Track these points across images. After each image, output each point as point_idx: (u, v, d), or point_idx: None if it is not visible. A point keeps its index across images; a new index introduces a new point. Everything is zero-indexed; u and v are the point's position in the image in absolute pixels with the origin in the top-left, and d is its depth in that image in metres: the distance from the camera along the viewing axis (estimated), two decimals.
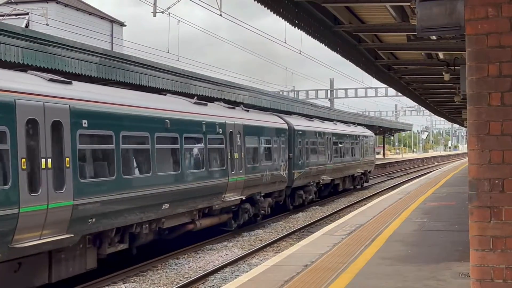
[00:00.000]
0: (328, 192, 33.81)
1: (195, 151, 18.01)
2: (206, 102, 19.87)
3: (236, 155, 20.25)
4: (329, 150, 32.27)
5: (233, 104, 24.97)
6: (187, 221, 17.57)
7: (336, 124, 37.51)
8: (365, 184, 42.19)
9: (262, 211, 22.85)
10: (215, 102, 22.76)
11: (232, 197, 19.90)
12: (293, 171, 26.22)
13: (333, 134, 33.84)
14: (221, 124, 19.52)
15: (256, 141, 22.39)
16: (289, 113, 34.07)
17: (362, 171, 40.65)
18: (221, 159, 19.39)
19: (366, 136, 42.99)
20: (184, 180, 16.79)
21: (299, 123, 28.62)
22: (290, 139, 26.29)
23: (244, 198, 20.64)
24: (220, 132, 19.40)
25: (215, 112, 19.71)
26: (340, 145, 34.94)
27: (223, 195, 19.29)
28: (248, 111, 23.71)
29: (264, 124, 23.69)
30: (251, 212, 21.79)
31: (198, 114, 18.36)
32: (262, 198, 22.62)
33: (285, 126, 26.14)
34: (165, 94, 19.55)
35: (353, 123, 47.82)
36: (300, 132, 27.79)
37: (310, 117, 36.08)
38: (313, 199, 29.87)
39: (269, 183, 23.36)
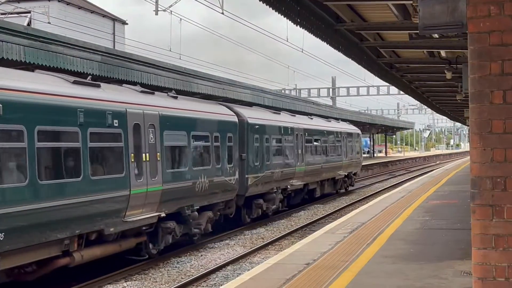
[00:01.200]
0: (302, 199, 28.82)
1: (65, 151, 12.69)
2: (99, 83, 14.80)
3: (146, 156, 15.15)
4: (300, 149, 27.20)
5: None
6: (54, 254, 12.38)
7: (311, 118, 31.99)
8: (350, 188, 37.48)
9: (197, 229, 17.60)
10: (124, 85, 17.50)
11: (140, 215, 14.79)
12: (247, 176, 21.15)
13: (306, 131, 28.52)
14: (118, 114, 14.20)
15: (183, 138, 17.25)
16: (251, 104, 29.22)
17: (346, 173, 35.44)
18: (116, 162, 14.13)
19: (350, 133, 37.48)
20: (38, 196, 11.59)
21: (256, 116, 23.26)
22: (242, 136, 21.22)
23: (163, 214, 15.64)
24: (116, 125, 14.08)
25: (109, 96, 14.35)
26: (316, 144, 29.97)
27: (123, 214, 14.09)
28: (176, 97, 18.17)
29: (199, 115, 18.25)
30: (178, 233, 16.73)
31: (72, 97, 12.93)
32: (196, 212, 17.46)
33: (235, 119, 20.79)
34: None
35: (336, 119, 41.91)
36: (258, 127, 22.56)
37: (277, 109, 30.29)
38: (279, 209, 24.96)
39: (208, 193, 18.18)
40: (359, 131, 40.49)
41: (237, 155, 20.54)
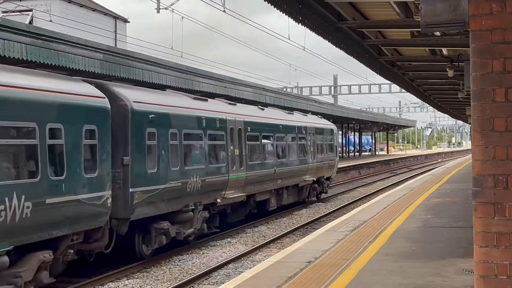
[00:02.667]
0: (248, 214, 22.26)
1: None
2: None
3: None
4: (238, 149, 20.32)
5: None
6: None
7: (263, 110, 24.70)
8: (323, 196, 31.09)
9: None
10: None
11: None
12: (132, 190, 14.39)
13: (249, 125, 21.40)
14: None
15: None
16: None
17: (315, 178, 28.61)
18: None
19: (320, 129, 30.22)
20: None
21: (152, 100, 15.86)
22: (122, 130, 14.47)
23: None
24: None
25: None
26: (266, 142, 23.19)
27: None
28: None
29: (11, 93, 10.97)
30: None
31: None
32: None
33: (102, 104, 13.71)
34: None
35: (305, 111, 35.43)
36: (153, 116, 15.35)
37: (207, 95, 23.88)
38: (203, 232, 18.25)
39: (36, 223, 11.20)
40: (333, 127, 33.28)
41: (110, 159, 13.71)
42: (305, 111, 33.63)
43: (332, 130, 32.69)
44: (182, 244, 17.28)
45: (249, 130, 21.40)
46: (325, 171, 30.58)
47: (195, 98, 18.61)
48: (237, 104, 22.43)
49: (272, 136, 23.95)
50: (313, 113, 35.57)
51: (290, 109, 30.63)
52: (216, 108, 19.45)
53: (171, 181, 15.94)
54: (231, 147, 19.83)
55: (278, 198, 24.76)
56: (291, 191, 26.26)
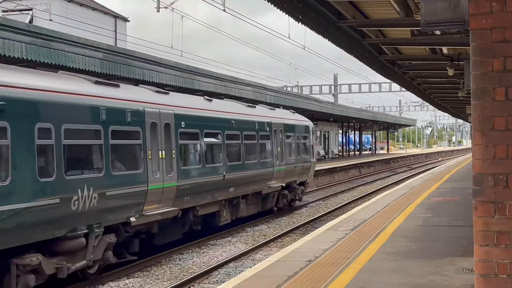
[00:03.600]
0: (186, 233, 17.59)
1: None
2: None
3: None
4: (162, 149, 15.46)
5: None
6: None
7: (209, 101, 19.47)
8: (297, 203, 26.99)
9: None
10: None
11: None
12: None
13: (180, 118, 16.46)
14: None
15: None
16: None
17: (283, 184, 24.16)
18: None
19: (291, 126, 25.49)
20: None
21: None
22: None
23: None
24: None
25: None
26: (210, 141, 18.28)
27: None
28: None
29: None
30: None
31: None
32: None
33: None
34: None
35: (275, 105, 30.58)
36: (2, 104, 10.50)
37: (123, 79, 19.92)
38: (106, 264, 13.72)
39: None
40: (308, 123, 28.05)
41: None
42: (275, 105, 29.07)
43: (307, 127, 27.49)
44: (183, 243, 17.28)
45: (182, 125, 16.54)
46: (297, 175, 25.76)
47: (97, 83, 13.84)
48: (171, 93, 17.44)
49: (219, 133, 18.88)
50: (286, 107, 30.83)
51: (254, 103, 26.26)
52: (129, 96, 14.59)
53: (39, 198, 11.12)
54: (152, 148, 14.98)
55: (233, 210, 20.29)
56: (252, 201, 21.68)
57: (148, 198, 14.58)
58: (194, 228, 17.89)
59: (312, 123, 29.06)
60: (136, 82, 19.92)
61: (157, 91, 16.54)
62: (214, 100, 20.18)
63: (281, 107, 29.05)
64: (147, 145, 14.83)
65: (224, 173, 18.86)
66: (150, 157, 14.82)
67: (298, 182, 26.09)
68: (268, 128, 22.92)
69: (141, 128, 14.67)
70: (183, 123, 16.66)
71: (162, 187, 15.22)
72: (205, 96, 19.99)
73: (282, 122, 24.55)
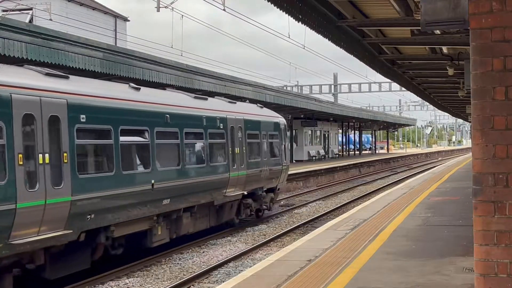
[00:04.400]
0: (96, 260, 13.75)
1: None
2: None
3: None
4: (44, 152, 11.40)
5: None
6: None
7: (136, 90, 15.41)
8: (266, 213, 23.33)
9: None
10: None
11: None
12: None
13: (77, 110, 12.50)
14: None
15: None
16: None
17: (245, 192, 20.24)
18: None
19: (255, 123, 21.52)
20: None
21: None
22: None
23: None
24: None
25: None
26: (130, 140, 14.34)
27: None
28: None
29: None
30: None
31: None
32: None
33: None
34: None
35: (237, 98, 26.26)
36: None
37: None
38: None
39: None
40: (279, 120, 24.08)
41: None
42: (237, 98, 25.14)
43: (277, 125, 23.47)
44: (182, 243, 17.29)
45: (82, 119, 12.53)
46: (264, 180, 21.94)
47: None
48: (71, 77, 13.32)
49: (146, 131, 14.79)
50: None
51: (210, 94, 23.00)
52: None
53: None
54: (28, 150, 11.13)
55: (172, 227, 16.29)
56: (201, 213, 17.81)
57: (17, 220, 10.63)
58: (112, 253, 14.07)
59: (284, 120, 24.74)
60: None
61: (47, 74, 12.39)
62: (143, 89, 15.76)
63: (247, 101, 24.53)
64: (15, 147, 10.71)
65: (152, 181, 14.69)
66: (20, 162, 10.76)
67: (265, 189, 22.22)
68: (221, 124, 18.69)
69: (4, 123, 10.59)
70: (83, 116, 12.52)
71: (44, 204, 11.20)
72: (131, 84, 15.62)
73: (242, 118, 20.29)
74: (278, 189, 24.10)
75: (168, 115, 15.76)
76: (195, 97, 18.26)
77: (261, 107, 23.64)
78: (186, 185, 16.33)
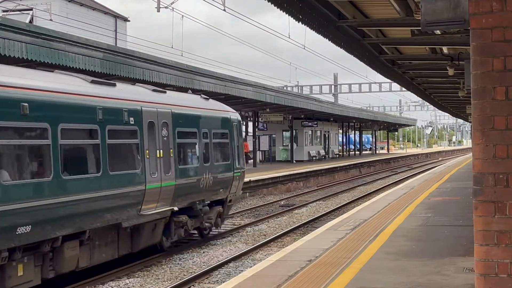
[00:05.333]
0: None
1: None
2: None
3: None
4: None
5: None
6: None
7: None
8: (215, 231, 19.06)
9: None
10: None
11: None
12: None
13: None
14: None
15: None
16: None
17: (175, 208, 15.52)
18: None
19: (192, 117, 16.83)
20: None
21: None
22: None
23: None
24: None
25: None
26: None
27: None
28: None
29: None
30: None
31: None
32: None
33: None
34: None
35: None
36: None
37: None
38: None
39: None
40: (230, 115, 18.99)
41: None
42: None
43: (226, 121, 18.60)
44: (182, 243, 17.28)
45: None
46: (206, 192, 17.07)
47: None
48: None
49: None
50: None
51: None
52: None
53: None
54: None
55: (46, 263, 11.82)
56: (102, 240, 13.45)
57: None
58: None
59: (237, 115, 19.68)
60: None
61: None
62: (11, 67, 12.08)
63: (189, 91, 19.43)
64: None
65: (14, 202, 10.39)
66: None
67: (207, 202, 17.24)
68: (132, 118, 13.84)
69: None
70: None
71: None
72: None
73: (170, 110, 15.47)
74: (230, 201, 19.05)
75: (25, 104, 10.73)
76: (92, 81, 13.33)
77: (207, 98, 18.40)
78: (62, 204, 11.55)
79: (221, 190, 18.17)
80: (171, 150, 15.40)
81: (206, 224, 17.77)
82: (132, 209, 13.87)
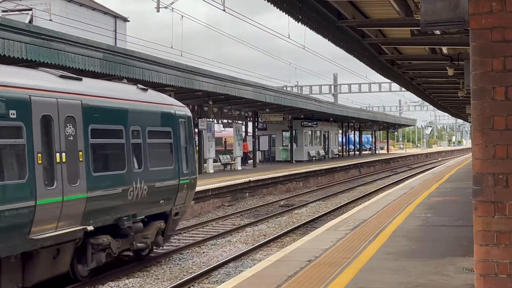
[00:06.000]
0: None
1: None
2: None
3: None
4: None
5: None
6: None
7: None
8: (157, 251, 16.05)
9: None
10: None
11: None
12: None
13: None
14: None
15: None
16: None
17: (89, 228, 12.01)
18: None
19: (117, 111, 13.19)
20: None
21: None
22: None
23: None
24: None
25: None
26: None
27: None
28: None
29: None
30: None
31: None
32: None
33: None
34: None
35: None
36: None
37: None
38: None
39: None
40: (175, 110, 15.53)
41: None
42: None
43: (169, 117, 15.23)
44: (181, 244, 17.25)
45: None
46: (140, 204, 13.82)
47: None
48: None
49: None
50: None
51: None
52: None
53: None
54: None
55: None
56: None
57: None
58: None
59: (187, 110, 16.37)
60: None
61: None
62: None
63: (124, 80, 16.44)
64: None
65: None
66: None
67: (141, 218, 14.00)
68: (14, 111, 10.31)
69: None
70: None
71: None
72: None
73: (80, 102, 12.02)
74: (177, 214, 15.66)
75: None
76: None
77: (145, 89, 15.10)
78: None
79: (161, 201, 14.77)
80: (81, 153, 11.94)
81: (140, 244, 14.16)
82: (15, 232, 10.35)
